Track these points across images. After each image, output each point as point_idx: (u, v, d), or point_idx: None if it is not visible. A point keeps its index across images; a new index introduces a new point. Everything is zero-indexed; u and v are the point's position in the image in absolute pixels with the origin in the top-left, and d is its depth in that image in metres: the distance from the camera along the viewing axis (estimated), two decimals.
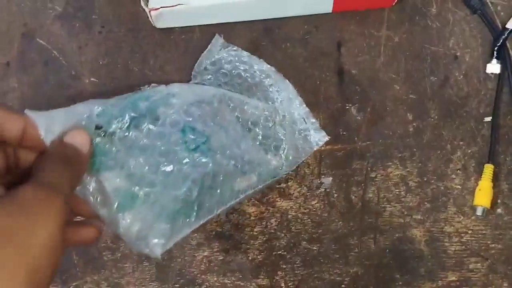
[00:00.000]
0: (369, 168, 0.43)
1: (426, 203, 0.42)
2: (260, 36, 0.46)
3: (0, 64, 0.46)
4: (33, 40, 0.47)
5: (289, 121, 0.42)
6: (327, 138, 0.42)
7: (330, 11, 0.46)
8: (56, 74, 0.46)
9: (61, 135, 0.32)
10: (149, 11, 0.44)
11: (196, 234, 0.43)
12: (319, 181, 0.43)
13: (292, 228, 0.42)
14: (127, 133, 0.35)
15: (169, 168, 0.35)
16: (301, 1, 0.44)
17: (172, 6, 0.44)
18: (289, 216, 0.43)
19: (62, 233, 0.28)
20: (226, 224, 0.43)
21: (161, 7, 0.44)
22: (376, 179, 0.43)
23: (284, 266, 0.42)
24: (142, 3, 0.44)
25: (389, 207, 0.42)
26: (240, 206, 0.43)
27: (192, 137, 0.36)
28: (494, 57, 0.44)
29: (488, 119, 0.44)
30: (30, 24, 0.47)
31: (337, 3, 0.45)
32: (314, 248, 0.42)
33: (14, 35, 0.47)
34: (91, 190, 0.33)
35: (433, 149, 0.43)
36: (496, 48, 0.44)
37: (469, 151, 0.43)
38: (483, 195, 0.42)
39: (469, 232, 0.42)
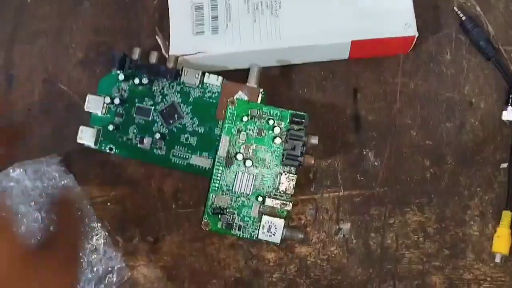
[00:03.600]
0: (387, 214, 0.43)
1: (444, 249, 0.43)
2: (277, 81, 0.47)
3: (22, 110, 0.47)
4: (54, 85, 0.48)
5: None
6: None
7: (347, 58, 0.47)
8: (78, 119, 0.46)
9: None
10: None
11: (215, 281, 0.43)
12: (337, 227, 0.43)
13: (311, 274, 0.43)
14: None
15: None
16: (318, 49, 0.45)
17: (192, 54, 0.45)
18: (308, 262, 0.43)
19: None
20: (245, 270, 0.43)
21: (182, 55, 0.45)
22: (395, 225, 0.43)
23: None
24: (163, 51, 0.45)
25: (407, 253, 0.43)
26: (259, 252, 0.43)
27: None
28: (509, 104, 0.45)
29: (505, 165, 0.44)
30: (51, 69, 0.48)
31: (353, 51, 0.46)
32: None
33: (36, 81, 0.48)
34: None
35: (450, 195, 0.44)
36: (511, 95, 0.45)
37: (486, 197, 0.43)
38: (501, 242, 0.42)
39: (488, 279, 0.42)
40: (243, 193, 0.42)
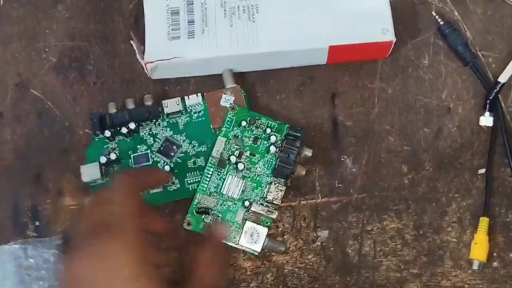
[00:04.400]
0: (365, 221, 0.43)
1: (422, 256, 0.42)
2: (255, 87, 0.46)
3: None
4: (27, 90, 0.47)
5: None
6: None
7: (325, 63, 0.46)
8: (50, 126, 0.45)
9: None
10: (145, 64, 0.44)
11: None
12: (315, 235, 0.43)
13: (289, 283, 0.42)
14: None
15: None
16: (295, 55, 0.45)
17: (167, 59, 0.44)
18: (285, 271, 0.42)
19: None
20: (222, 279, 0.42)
21: (157, 60, 0.44)
22: (372, 232, 0.43)
23: None
24: (138, 56, 0.45)
25: (385, 261, 0.42)
26: (236, 261, 0.42)
27: None
28: (487, 109, 0.45)
29: (482, 171, 0.44)
30: (24, 74, 0.47)
31: (331, 56, 0.45)
32: None
33: (8, 85, 0.47)
34: None
35: (428, 201, 0.43)
36: (488, 101, 0.45)
37: (464, 203, 0.43)
38: (479, 248, 0.42)
39: (466, 286, 0.42)
40: (230, 197, 0.42)
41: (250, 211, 0.41)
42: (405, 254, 0.42)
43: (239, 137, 0.43)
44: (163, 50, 0.44)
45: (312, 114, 0.46)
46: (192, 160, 0.44)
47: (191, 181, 0.43)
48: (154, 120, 0.44)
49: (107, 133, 0.43)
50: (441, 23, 0.47)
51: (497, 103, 0.45)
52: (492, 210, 0.43)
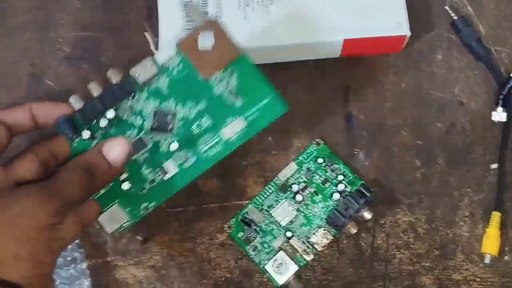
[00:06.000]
0: (378, 214, 0.43)
1: (434, 250, 0.43)
2: None
3: (7, 104, 0.46)
4: (40, 80, 0.47)
5: None
6: None
7: (338, 56, 0.46)
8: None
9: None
10: None
11: (205, 281, 0.42)
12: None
13: (302, 275, 0.42)
14: None
15: None
16: (309, 48, 0.45)
17: None
18: None
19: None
20: (236, 270, 0.42)
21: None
22: (385, 226, 0.43)
23: None
24: (152, 48, 0.44)
25: (398, 254, 0.43)
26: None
27: None
28: (500, 105, 0.45)
29: (495, 166, 0.44)
30: (37, 64, 0.47)
31: (345, 50, 0.45)
32: None
33: (22, 75, 0.47)
34: None
35: (440, 195, 0.44)
36: (501, 97, 0.45)
37: (476, 198, 0.44)
38: (490, 243, 0.42)
39: (477, 280, 0.42)
40: (277, 221, 0.42)
41: (289, 242, 0.42)
42: (418, 248, 0.43)
43: (311, 171, 0.43)
44: None
45: (325, 107, 0.46)
46: (196, 124, 0.37)
47: (206, 148, 0.37)
48: (131, 97, 0.37)
49: (86, 134, 0.36)
50: (455, 17, 0.47)
51: (509, 99, 0.45)
52: (504, 205, 0.43)
